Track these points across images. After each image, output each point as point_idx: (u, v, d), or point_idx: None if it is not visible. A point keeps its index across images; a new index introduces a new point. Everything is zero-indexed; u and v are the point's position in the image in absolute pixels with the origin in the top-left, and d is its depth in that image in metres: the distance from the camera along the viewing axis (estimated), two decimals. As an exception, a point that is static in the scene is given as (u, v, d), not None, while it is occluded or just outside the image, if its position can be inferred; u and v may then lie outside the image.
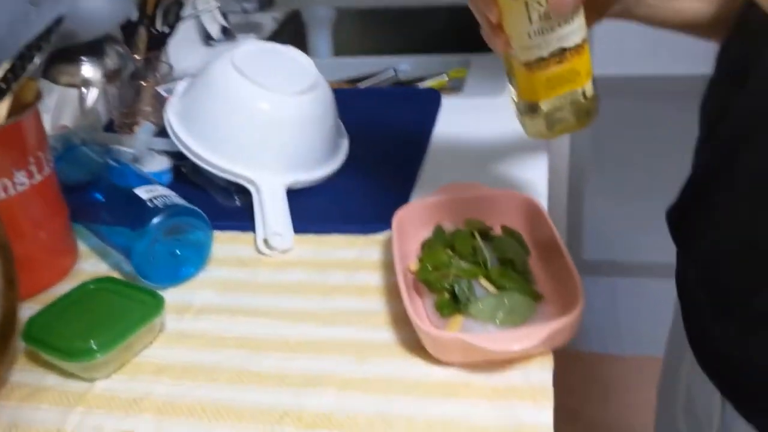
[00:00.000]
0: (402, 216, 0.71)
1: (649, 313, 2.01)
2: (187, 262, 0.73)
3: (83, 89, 0.89)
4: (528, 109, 0.60)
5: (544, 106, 0.59)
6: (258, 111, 0.81)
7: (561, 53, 0.56)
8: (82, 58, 0.69)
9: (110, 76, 0.71)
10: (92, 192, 0.78)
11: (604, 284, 2.16)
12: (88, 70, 0.70)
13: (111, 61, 0.70)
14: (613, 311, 2.08)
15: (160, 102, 0.98)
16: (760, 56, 0.48)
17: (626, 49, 2.75)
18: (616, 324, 2.03)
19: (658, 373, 0.79)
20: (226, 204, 0.83)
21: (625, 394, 1.79)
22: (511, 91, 0.64)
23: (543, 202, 0.76)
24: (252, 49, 0.85)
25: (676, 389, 0.69)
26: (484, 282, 0.63)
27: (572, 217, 2.03)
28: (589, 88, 0.59)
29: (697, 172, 0.59)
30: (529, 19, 0.55)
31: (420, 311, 0.63)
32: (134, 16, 0.97)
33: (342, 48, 1.51)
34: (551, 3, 0.53)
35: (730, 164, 0.52)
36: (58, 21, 0.61)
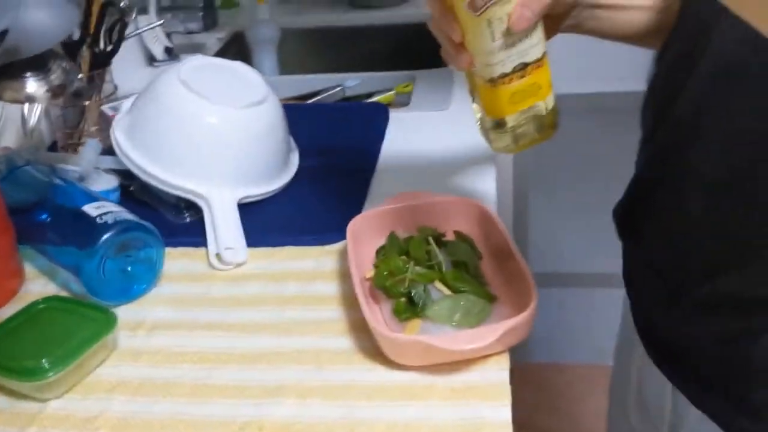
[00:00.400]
0: (356, 225, 0.72)
1: (596, 322, 2.06)
2: (138, 278, 0.72)
3: (25, 109, 0.88)
4: (494, 125, 0.62)
5: (510, 121, 0.61)
6: (206, 125, 0.81)
7: (523, 68, 0.58)
8: (27, 73, 0.68)
9: (55, 92, 0.70)
10: (38, 212, 0.77)
11: (551, 295, 2.20)
12: (33, 85, 0.68)
13: (56, 76, 0.69)
14: (560, 322, 2.12)
15: (105, 121, 0.96)
16: (702, 56, 0.51)
17: (565, 69, 2.84)
18: (564, 334, 2.07)
19: (607, 381, 0.81)
20: (176, 221, 0.82)
21: (576, 402, 1.83)
22: (474, 109, 0.65)
23: (493, 209, 0.77)
24: (199, 64, 0.85)
25: (628, 383, 0.71)
26: (439, 285, 0.64)
27: (518, 230, 2.07)
28: (550, 101, 0.61)
29: (641, 170, 0.62)
30: (492, 36, 0.56)
31: (378, 317, 0.64)
32: (76, 34, 0.96)
33: (287, 68, 1.51)
34: (512, 19, 0.55)
35: (675, 159, 0.55)
36: (2, 35, 0.60)
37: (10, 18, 0.59)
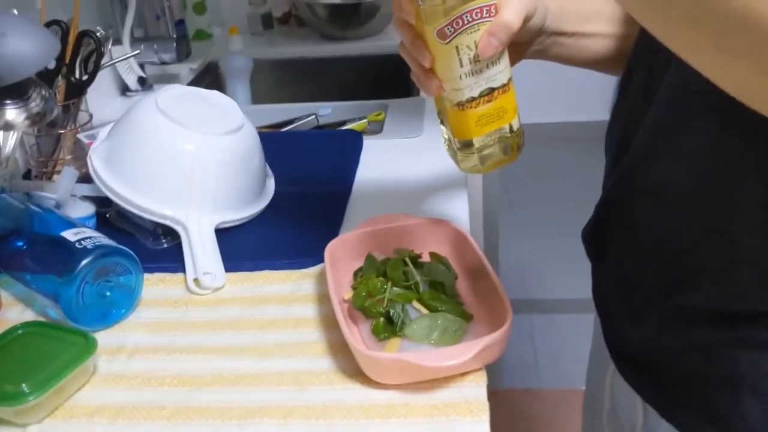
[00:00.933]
0: (334, 248, 0.73)
1: (566, 347, 2.09)
2: (117, 304, 0.72)
3: (0, 138, 0.88)
4: (462, 146, 0.64)
5: (477, 142, 0.63)
6: (184, 152, 0.82)
7: (490, 93, 0.61)
8: (6, 101, 0.68)
9: (34, 120, 0.70)
10: (14, 240, 0.77)
11: (521, 322, 2.23)
12: (12, 113, 0.69)
13: (35, 104, 0.70)
14: (531, 348, 2.14)
15: (80, 149, 0.97)
16: (660, 84, 0.54)
17: (535, 101, 2.92)
18: (535, 360, 2.09)
19: (578, 404, 0.82)
20: (153, 247, 0.83)
21: (548, 426, 1.84)
22: (442, 131, 0.68)
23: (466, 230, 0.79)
24: (176, 93, 0.86)
25: (601, 401, 0.72)
26: (417, 305, 0.65)
27: (488, 258, 2.10)
28: (515, 124, 0.64)
29: (607, 193, 0.64)
30: (460, 62, 0.59)
31: (357, 338, 0.65)
32: (52, 64, 0.97)
33: (259, 98, 1.53)
34: (480, 47, 0.58)
35: (639, 181, 0.57)
36: (-16, 63, 0.61)
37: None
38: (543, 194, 2.90)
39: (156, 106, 0.82)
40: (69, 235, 0.71)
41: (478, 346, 0.58)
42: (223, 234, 0.83)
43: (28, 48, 0.66)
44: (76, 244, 0.70)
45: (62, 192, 0.84)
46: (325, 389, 0.62)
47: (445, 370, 0.60)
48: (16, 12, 0.82)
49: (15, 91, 0.69)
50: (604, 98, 3.36)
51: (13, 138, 0.86)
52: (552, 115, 3.22)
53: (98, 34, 0.98)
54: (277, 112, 1.26)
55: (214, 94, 0.90)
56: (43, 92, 0.71)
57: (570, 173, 2.97)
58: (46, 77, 0.96)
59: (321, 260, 0.77)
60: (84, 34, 0.99)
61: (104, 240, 0.72)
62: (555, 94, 3.13)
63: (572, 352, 1.93)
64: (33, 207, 0.79)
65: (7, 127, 0.69)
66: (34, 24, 0.68)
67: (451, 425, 0.57)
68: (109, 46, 1.04)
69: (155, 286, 0.77)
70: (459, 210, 0.88)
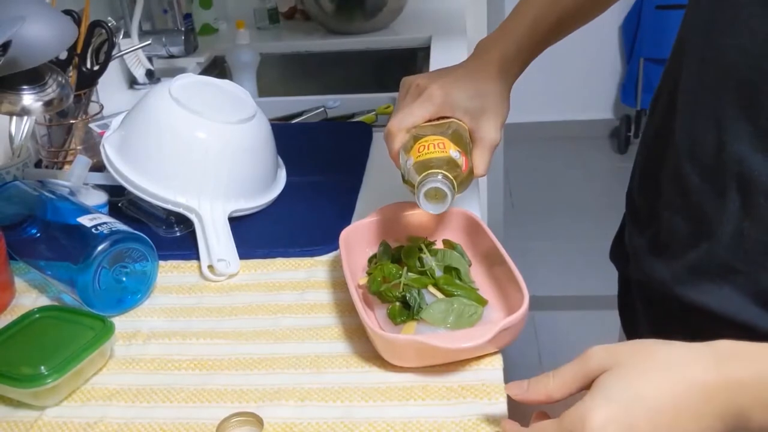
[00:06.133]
0: (348, 234, 0.73)
1: (569, 344, 2.09)
2: (132, 290, 0.72)
3: (12, 127, 0.88)
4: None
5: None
6: (197, 140, 0.82)
7: None
8: (23, 86, 0.69)
9: (51, 106, 0.71)
10: (28, 228, 0.77)
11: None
12: (29, 98, 0.69)
13: (52, 90, 0.70)
14: (535, 345, 2.14)
15: (92, 139, 0.97)
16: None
17: (535, 98, 2.93)
18: (539, 358, 2.09)
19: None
20: (166, 235, 0.83)
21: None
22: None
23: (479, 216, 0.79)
24: (189, 82, 0.86)
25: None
26: (432, 290, 0.66)
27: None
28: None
29: (643, 202, 0.64)
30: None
31: (373, 321, 0.65)
32: (64, 54, 0.97)
33: (266, 92, 1.53)
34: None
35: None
36: (5, 47, 0.61)
37: (14, 30, 0.60)
38: (545, 193, 2.90)
39: (169, 94, 0.82)
40: (85, 220, 0.72)
41: (495, 329, 0.58)
42: (236, 222, 0.83)
43: (47, 33, 0.66)
44: (92, 230, 0.70)
45: (75, 180, 0.84)
46: (343, 372, 0.62)
47: (463, 352, 0.60)
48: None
49: (32, 77, 0.69)
50: (607, 97, 3.38)
51: (25, 127, 0.86)
52: (555, 113, 3.23)
53: (110, 24, 0.98)
54: (285, 104, 1.26)
55: (227, 83, 0.90)
56: (60, 79, 0.72)
57: (572, 172, 2.97)
58: (58, 67, 0.96)
59: (333, 248, 0.78)
60: (96, 24, 0.99)
61: (120, 226, 0.72)
62: (558, 92, 3.14)
63: (576, 349, 1.93)
64: (46, 194, 0.79)
65: (24, 112, 0.69)
66: (53, 9, 0.68)
67: (469, 407, 0.57)
68: (120, 37, 1.05)
69: (169, 273, 0.78)
70: (470, 198, 0.88)
